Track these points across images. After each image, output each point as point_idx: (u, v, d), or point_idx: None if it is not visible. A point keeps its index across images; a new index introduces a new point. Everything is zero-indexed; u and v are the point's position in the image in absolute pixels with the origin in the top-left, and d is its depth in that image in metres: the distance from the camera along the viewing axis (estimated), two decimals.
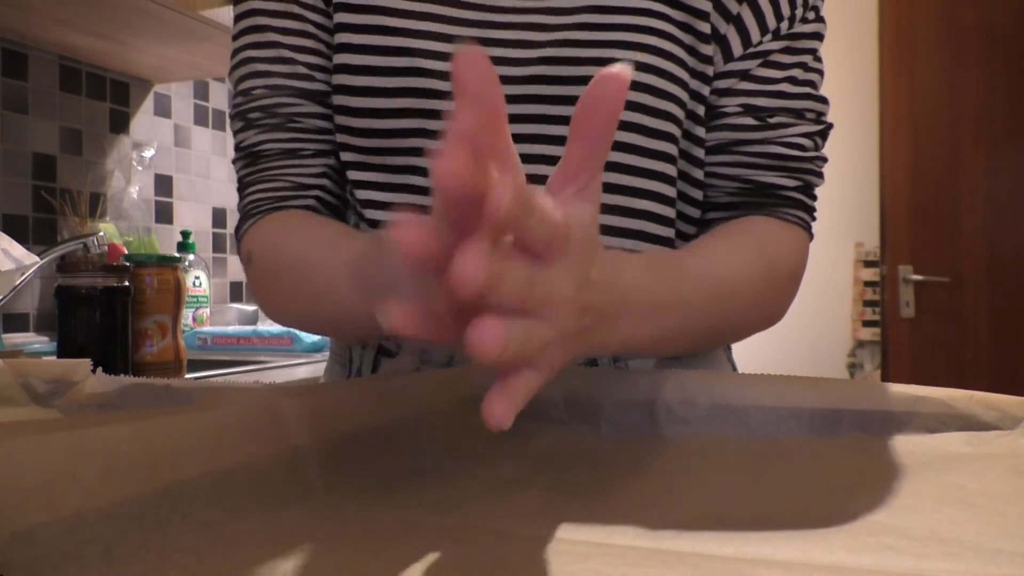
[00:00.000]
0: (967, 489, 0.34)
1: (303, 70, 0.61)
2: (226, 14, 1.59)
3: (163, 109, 1.96)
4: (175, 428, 0.29)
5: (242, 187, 0.64)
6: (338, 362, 0.68)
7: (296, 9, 0.61)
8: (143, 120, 1.90)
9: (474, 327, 0.27)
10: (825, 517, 0.31)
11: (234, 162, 0.64)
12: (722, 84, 0.59)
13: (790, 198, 0.61)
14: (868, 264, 2.83)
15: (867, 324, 2.83)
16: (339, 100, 0.59)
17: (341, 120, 0.59)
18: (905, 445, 0.42)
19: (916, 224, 2.53)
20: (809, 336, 2.75)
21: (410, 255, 0.27)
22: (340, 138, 0.60)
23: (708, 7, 0.58)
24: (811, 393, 0.46)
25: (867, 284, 2.84)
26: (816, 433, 0.45)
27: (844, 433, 0.44)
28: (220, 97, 2.13)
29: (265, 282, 0.61)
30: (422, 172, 0.58)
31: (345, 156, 0.61)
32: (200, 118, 2.07)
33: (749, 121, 0.60)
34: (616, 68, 0.32)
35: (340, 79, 0.58)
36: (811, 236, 0.63)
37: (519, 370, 0.31)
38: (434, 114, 0.56)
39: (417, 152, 0.57)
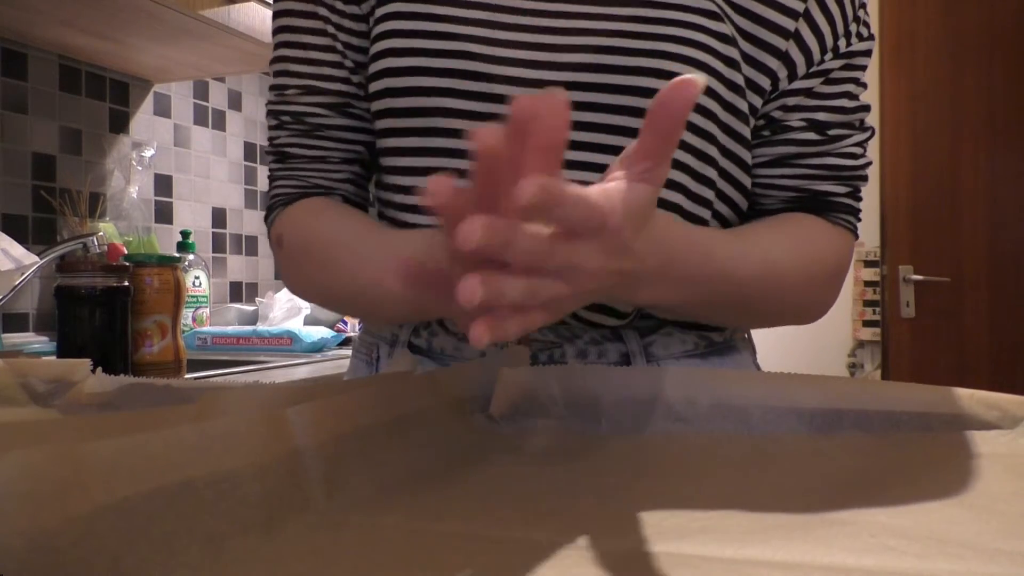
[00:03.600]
0: (967, 489, 0.34)
1: (328, 71, 0.64)
2: (226, 14, 1.59)
3: (163, 109, 1.96)
4: (181, 438, 0.29)
5: (272, 179, 0.68)
6: (364, 361, 0.68)
7: (323, 11, 0.63)
8: (143, 120, 1.90)
9: (462, 280, 0.32)
10: (825, 517, 0.31)
11: (267, 153, 0.68)
12: (790, 101, 0.61)
13: (840, 203, 0.64)
14: (868, 264, 2.83)
15: (867, 324, 2.84)
16: (383, 83, 0.59)
17: (385, 103, 0.60)
18: (905, 444, 0.42)
19: (916, 224, 2.53)
20: (809, 336, 2.75)
21: (434, 204, 0.33)
22: (382, 123, 0.61)
23: (769, 13, 0.58)
24: (811, 392, 0.46)
25: (867, 284, 2.84)
26: (816, 432, 0.45)
27: (844, 432, 0.44)
28: (220, 97, 2.13)
29: (296, 260, 0.64)
30: (461, 155, 0.58)
31: (386, 142, 0.62)
32: (200, 118, 2.07)
33: (811, 136, 0.62)
34: (693, 76, 0.36)
35: (385, 63, 0.59)
36: (856, 236, 0.66)
37: (526, 310, 0.36)
38: (479, 96, 0.57)
39: (457, 134, 0.58)
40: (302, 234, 0.63)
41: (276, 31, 0.66)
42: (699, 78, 0.36)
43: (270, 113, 0.67)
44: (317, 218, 0.63)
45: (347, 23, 0.63)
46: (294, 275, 0.65)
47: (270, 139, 0.67)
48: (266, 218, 0.68)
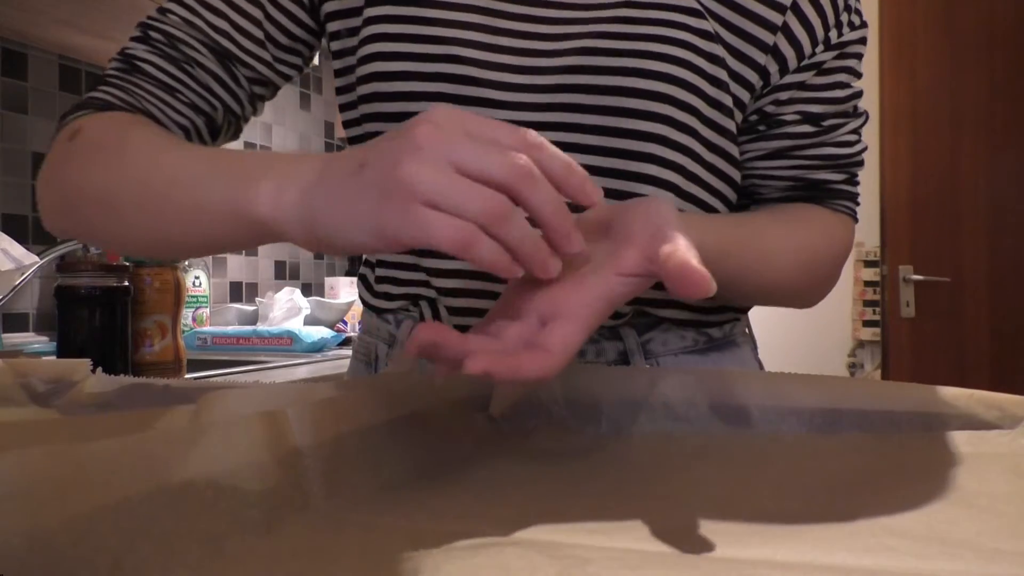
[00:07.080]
0: (967, 489, 0.34)
1: (225, 26, 0.60)
2: None
3: None
4: (181, 438, 0.29)
5: (101, 82, 0.61)
6: (363, 363, 0.68)
7: None
8: None
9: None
10: (825, 517, 0.31)
11: (109, 62, 0.61)
12: (783, 95, 0.60)
13: (838, 190, 0.65)
14: (868, 264, 2.83)
15: (867, 324, 2.83)
16: (371, 87, 0.59)
17: (373, 107, 0.59)
18: (905, 444, 0.42)
19: (916, 224, 2.53)
20: (809, 336, 2.75)
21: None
22: (370, 127, 0.61)
23: (755, 6, 0.58)
24: (811, 392, 0.46)
25: (867, 284, 2.84)
26: (816, 432, 0.45)
27: (844, 432, 0.44)
28: None
29: (89, 153, 0.54)
30: None
31: None
32: None
33: (806, 128, 0.62)
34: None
35: (374, 67, 0.58)
36: (855, 219, 0.67)
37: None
38: (467, 100, 0.57)
39: None
40: (113, 132, 0.54)
41: None
42: None
43: (140, 25, 0.61)
44: (136, 123, 0.56)
45: (285, 3, 0.62)
46: (80, 175, 0.53)
47: (122, 49, 0.61)
48: (65, 115, 0.59)
